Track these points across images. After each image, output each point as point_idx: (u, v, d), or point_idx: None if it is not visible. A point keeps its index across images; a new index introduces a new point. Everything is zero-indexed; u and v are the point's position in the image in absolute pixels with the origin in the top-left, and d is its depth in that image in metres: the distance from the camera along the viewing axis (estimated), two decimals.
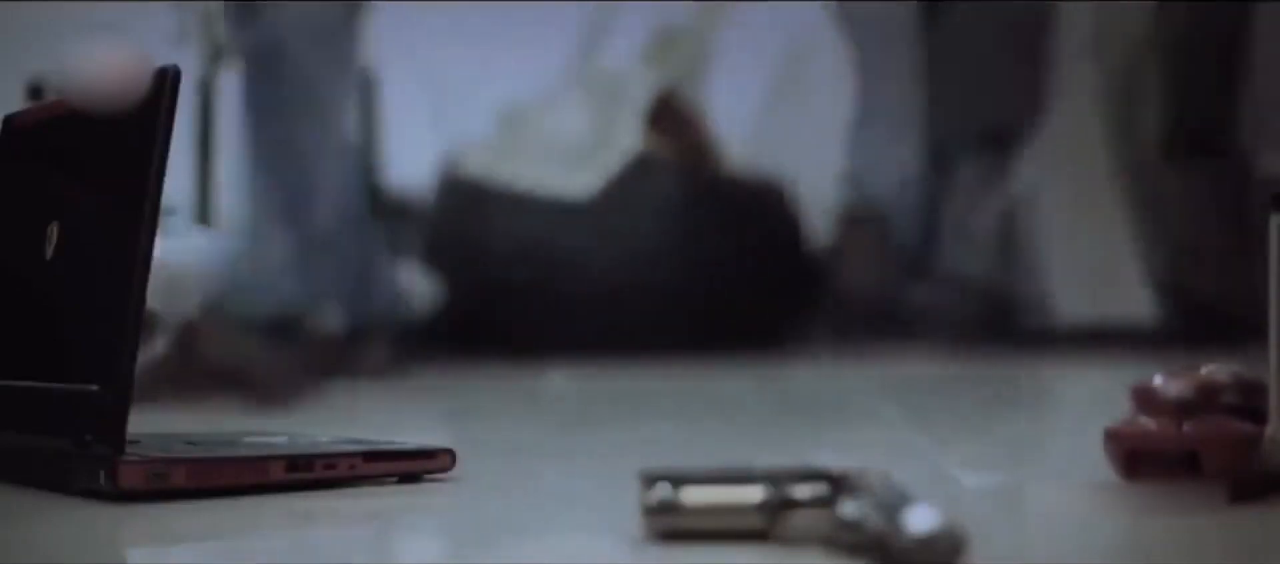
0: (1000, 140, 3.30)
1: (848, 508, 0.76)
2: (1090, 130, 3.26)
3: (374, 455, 1.10)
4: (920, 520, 0.72)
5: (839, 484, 0.78)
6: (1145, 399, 1.02)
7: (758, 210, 4.11)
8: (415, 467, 1.12)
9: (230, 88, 2.83)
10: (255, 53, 2.82)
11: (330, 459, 1.08)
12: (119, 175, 1.04)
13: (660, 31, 3.80)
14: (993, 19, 3.22)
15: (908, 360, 3.40)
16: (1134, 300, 3.54)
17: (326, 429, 1.24)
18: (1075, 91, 3.20)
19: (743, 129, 4.58)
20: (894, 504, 0.74)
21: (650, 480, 0.80)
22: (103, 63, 1.08)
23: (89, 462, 0.99)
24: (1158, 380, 1.02)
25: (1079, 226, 3.32)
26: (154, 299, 0.97)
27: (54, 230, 1.09)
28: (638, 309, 3.18)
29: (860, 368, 3.12)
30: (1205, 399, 1.00)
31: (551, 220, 3.80)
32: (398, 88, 3.44)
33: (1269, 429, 0.97)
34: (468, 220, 3.29)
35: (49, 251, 1.09)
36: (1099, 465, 1.04)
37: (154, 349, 1.29)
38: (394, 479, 1.11)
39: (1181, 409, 1.00)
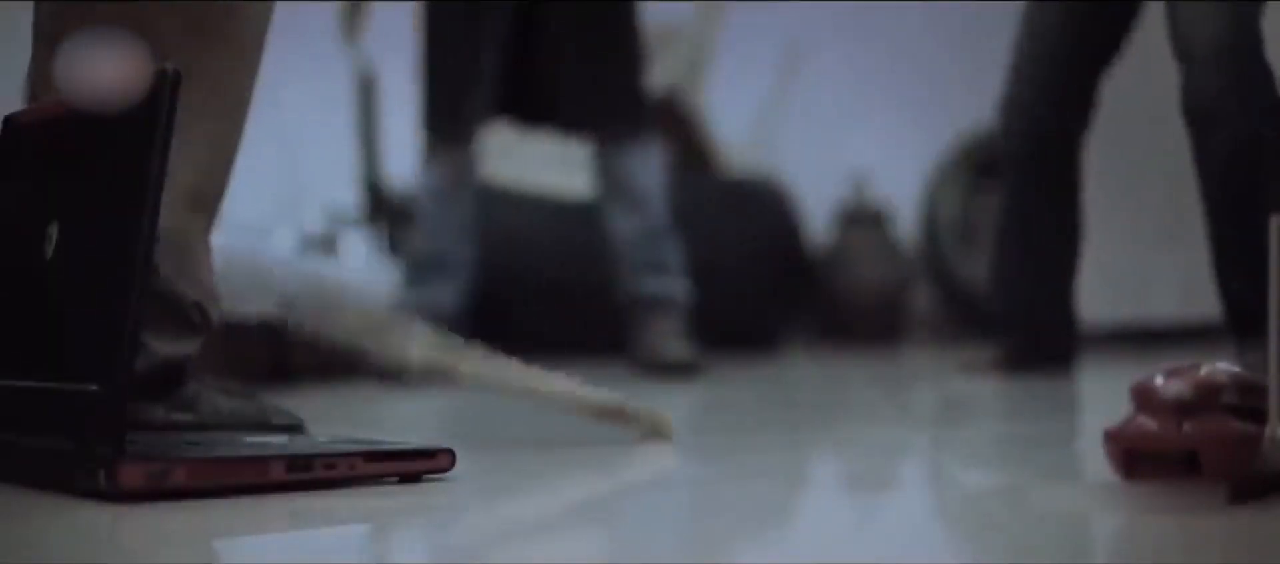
0: None
1: None
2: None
3: (374, 455, 1.10)
4: None
5: None
6: (1145, 399, 1.02)
7: (757, 210, 4.11)
8: (415, 467, 1.12)
9: None
10: None
11: (330, 459, 1.08)
12: (119, 175, 1.04)
13: (660, 31, 3.80)
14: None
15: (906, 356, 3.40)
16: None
17: (326, 429, 1.24)
18: None
19: (743, 129, 4.59)
20: None
21: None
22: (103, 63, 1.08)
23: (89, 462, 0.99)
24: (1158, 380, 1.02)
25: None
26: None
27: (54, 230, 1.09)
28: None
29: (859, 365, 3.12)
30: (1205, 399, 1.00)
31: (552, 219, 3.81)
32: (397, 88, 3.44)
33: (1269, 429, 0.97)
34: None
35: (49, 251, 1.09)
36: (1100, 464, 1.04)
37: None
38: (394, 479, 1.11)
39: (1181, 409, 1.00)
